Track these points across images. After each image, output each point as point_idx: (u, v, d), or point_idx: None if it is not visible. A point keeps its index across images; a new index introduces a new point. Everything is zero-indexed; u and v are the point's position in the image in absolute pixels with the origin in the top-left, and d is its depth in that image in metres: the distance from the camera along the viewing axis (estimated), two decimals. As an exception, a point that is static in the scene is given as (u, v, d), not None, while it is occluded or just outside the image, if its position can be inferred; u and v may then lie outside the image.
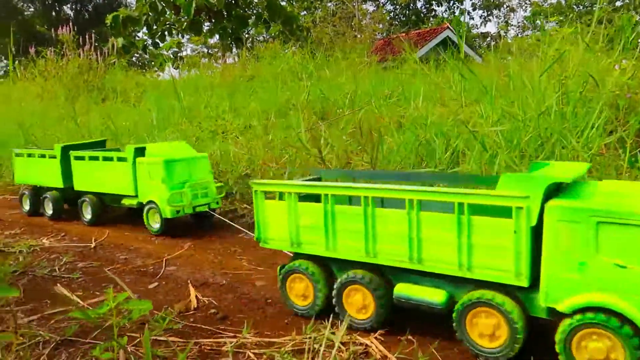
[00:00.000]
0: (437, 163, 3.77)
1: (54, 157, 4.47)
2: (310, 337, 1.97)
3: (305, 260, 2.23)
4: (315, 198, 2.17)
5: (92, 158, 4.24)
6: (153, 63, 20.69)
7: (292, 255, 2.39)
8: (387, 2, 28.50)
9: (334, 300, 2.12)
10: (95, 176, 4.20)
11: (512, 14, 26.22)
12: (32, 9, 32.65)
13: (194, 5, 16.02)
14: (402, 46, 9.12)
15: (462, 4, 27.58)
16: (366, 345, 1.92)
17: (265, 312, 2.31)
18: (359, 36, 17.16)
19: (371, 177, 2.73)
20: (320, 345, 1.90)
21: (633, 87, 4.10)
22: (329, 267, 2.21)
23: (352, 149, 4.60)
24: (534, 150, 3.38)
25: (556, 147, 3.26)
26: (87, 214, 4.36)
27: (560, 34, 4.82)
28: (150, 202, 3.79)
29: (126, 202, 4.04)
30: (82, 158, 4.32)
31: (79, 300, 2.48)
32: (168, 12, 17.65)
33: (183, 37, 20.09)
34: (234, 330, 2.11)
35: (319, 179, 2.53)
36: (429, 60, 8.78)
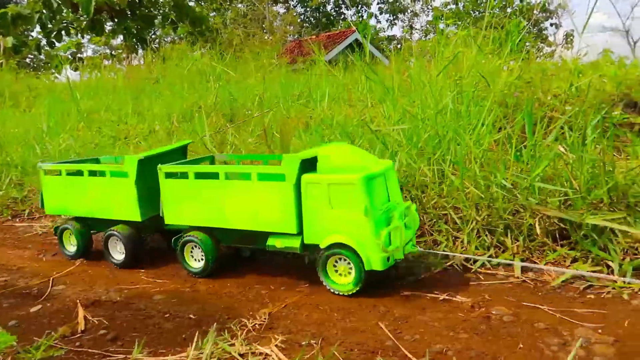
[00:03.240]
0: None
1: (123, 175, 2.91)
2: (207, 351, 1.86)
3: None
4: None
5: (201, 176, 2.70)
6: (49, 64, 19.21)
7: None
8: (297, 4, 28.70)
9: None
10: (209, 203, 2.63)
11: (415, 18, 27.51)
12: None
13: (93, 3, 15.05)
14: (312, 48, 9.20)
15: (369, 8, 28.43)
16: (266, 354, 1.85)
17: (161, 328, 2.16)
18: (269, 38, 17.11)
19: None
20: (219, 359, 1.80)
21: (519, 87, 4.42)
22: None
23: (260, 150, 4.53)
24: (432, 148, 3.51)
25: (451, 144, 3.41)
26: (196, 262, 2.77)
27: (456, 36, 5.09)
28: (335, 245, 2.34)
29: (277, 243, 2.50)
30: (182, 176, 2.76)
31: (-58, 333, 2.17)
32: (65, 10, 16.46)
33: (83, 37, 18.85)
34: (125, 352, 1.95)
35: None
36: (339, 62, 8.93)
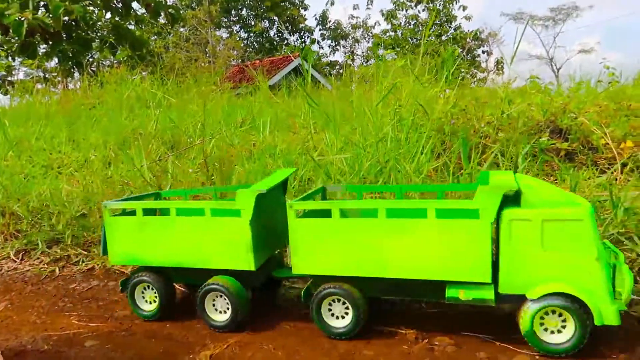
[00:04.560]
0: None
1: (232, 213, 2.33)
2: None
3: None
4: None
5: (345, 213, 2.25)
6: (-24, 89, 18.14)
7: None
8: (240, 29, 28.82)
9: None
10: (362, 248, 2.14)
11: (357, 44, 28.32)
12: None
13: (25, 25, 14.41)
14: (254, 74, 9.22)
15: (312, 34, 29.00)
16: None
17: (93, 379, 2.02)
18: (212, 63, 17.01)
19: None
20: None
21: (455, 114, 4.60)
22: None
23: (202, 180, 4.43)
24: (373, 176, 3.56)
25: (392, 172, 3.48)
26: (337, 320, 2.25)
27: (394, 65, 5.25)
28: (547, 297, 1.91)
29: (461, 294, 2.05)
30: (320, 214, 2.23)
31: None
32: (-7, 32, 15.67)
33: (14, 60, 17.96)
34: (50, 408, 1.80)
35: None
36: (282, 88, 8.97)
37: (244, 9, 28.37)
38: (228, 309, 2.38)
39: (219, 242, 2.36)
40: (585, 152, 4.43)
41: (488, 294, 2.00)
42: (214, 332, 2.39)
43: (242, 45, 25.41)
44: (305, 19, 28.39)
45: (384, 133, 3.95)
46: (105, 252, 2.64)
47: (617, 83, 6.38)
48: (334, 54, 30.31)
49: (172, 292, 2.63)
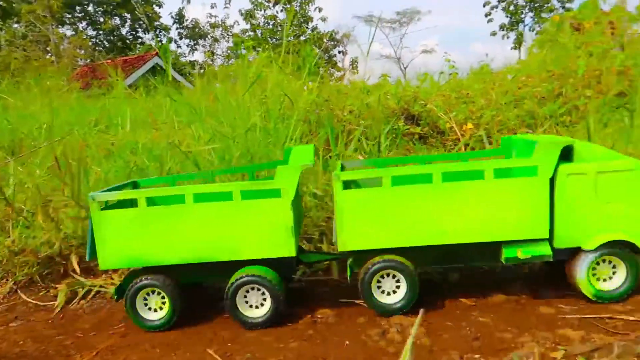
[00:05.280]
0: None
1: (269, 194, 2.05)
2: None
3: None
4: None
5: (399, 181, 2.07)
6: None
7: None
8: (88, 26, 26.51)
9: None
10: (418, 215, 2.04)
11: (216, 44, 27.84)
12: None
13: None
14: (108, 72, 8.56)
15: (168, 33, 27.84)
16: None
17: None
18: (56, 62, 15.39)
19: None
20: None
21: (319, 105, 4.76)
22: None
23: (53, 185, 3.97)
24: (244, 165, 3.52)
25: (263, 160, 3.47)
26: (388, 296, 2.10)
27: (259, 57, 5.27)
28: (602, 247, 2.03)
29: (519, 253, 2.03)
30: (367, 184, 2.15)
31: None
32: None
33: None
34: None
35: None
36: (139, 87, 8.47)
37: (90, 5, 26.13)
38: (264, 302, 2.12)
39: (253, 228, 2.07)
40: (435, 135, 4.90)
41: (546, 250, 2.04)
42: (78, 341, 2.15)
43: (90, 43, 23.38)
44: (160, 17, 27.07)
45: (252, 123, 3.93)
46: (92, 255, 2.17)
47: (456, 75, 7.17)
48: (192, 53, 29.38)
49: (184, 295, 2.20)
